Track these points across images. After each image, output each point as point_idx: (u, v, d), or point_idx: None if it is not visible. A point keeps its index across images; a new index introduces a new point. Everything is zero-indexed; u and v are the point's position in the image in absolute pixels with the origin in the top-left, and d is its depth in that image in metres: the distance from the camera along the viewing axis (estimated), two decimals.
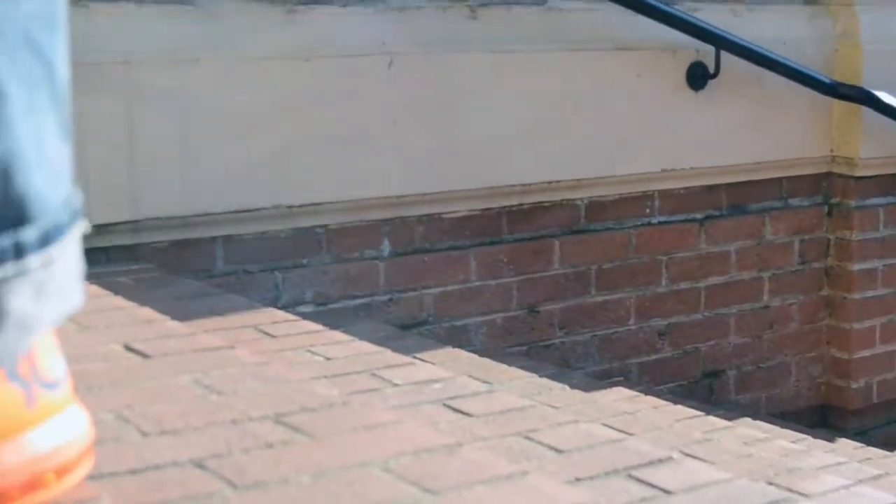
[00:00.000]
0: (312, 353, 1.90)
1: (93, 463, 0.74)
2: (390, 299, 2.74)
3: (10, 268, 0.62)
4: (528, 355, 2.95)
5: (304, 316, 2.24)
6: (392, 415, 1.19)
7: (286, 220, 2.55)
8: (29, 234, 0.63)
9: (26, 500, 0.66)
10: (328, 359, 1.87)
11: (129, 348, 1.40)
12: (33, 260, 0.63)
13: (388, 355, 1.90)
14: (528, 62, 2.84)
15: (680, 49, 3.04)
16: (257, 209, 2.50)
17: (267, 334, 1.99)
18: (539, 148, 2.85)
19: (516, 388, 2.17)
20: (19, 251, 0.62)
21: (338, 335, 2.01)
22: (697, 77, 3.09)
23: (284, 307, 2.46)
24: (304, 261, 2.61)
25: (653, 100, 3.04)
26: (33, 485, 0.66)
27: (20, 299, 0.63)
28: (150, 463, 1.03)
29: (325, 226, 2.62)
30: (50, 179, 0.64)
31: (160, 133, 2.36)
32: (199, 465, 1.07)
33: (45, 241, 0.64)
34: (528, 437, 1.52)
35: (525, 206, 2.90)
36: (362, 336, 2.08)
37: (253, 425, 1.17)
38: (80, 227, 0.67)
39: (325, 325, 2.12)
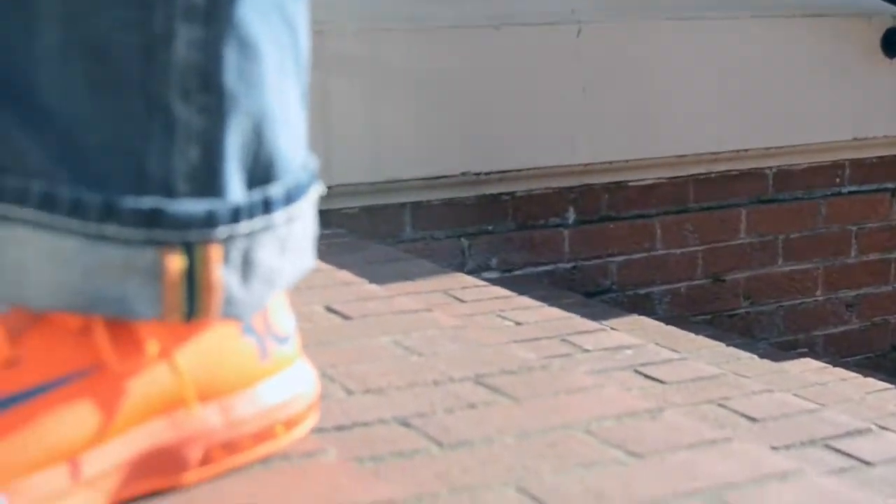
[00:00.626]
0: (502, 317, 1.91)
1: (318, 417, 0.76)
2: (574, 267, 2.73)
3: (259, 222, 0.64)
4: (711, 324, 2.91)
5: (490, 282, 2.25)
6: (592, 379, 1.19)
7: (473, 188, 2.57)
8: (276, 190, 0.65)
9: (256, 450, 0.68)
10: (518, 323, 1.88)
11: (329, 309, 1.43)
12: (279, 216, 0.65)
13: (578, 321, 1.90)
14: (718, 29, 2.79)
15: (875, 15, 2.95)
16: (446, 176, 2.52)
17: (457, 299, 2.01)
18: (728, 116, 2.81)
19: (703, 356, 2.14)
20: (267, 206, 0.65)
21: (527, 301, 2.01)
22: (892, 43, 2.99)
23: (470, 273, 2.48)
24: (490, 227, 2.62)
25: (845, 67, 2.96)
26: (263, 436, 0.68)
27: (267, 253, 0.65)
28: (357, 420, 1.05)
29: (512, 193, 2.62)
30: (292, 141, 0.66)
31: (352, 101, 2.40)
32: (405, 424, 1.09)
33: (289, 199, 0.66)
34: (721, 405, 1.50)
35: (713, 175, 2.86)
36: (549, 302, 2.08)
37: (454, 386, 1.18)
38: (317, 190, 0.69)
39: (512, 291, 2.13)
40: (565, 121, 2.62)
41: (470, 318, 1.84)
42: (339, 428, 1.00)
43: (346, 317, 1.40)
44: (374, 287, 1.58)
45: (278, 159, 0.65)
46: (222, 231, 0.62)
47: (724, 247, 2.91)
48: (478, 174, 2.55)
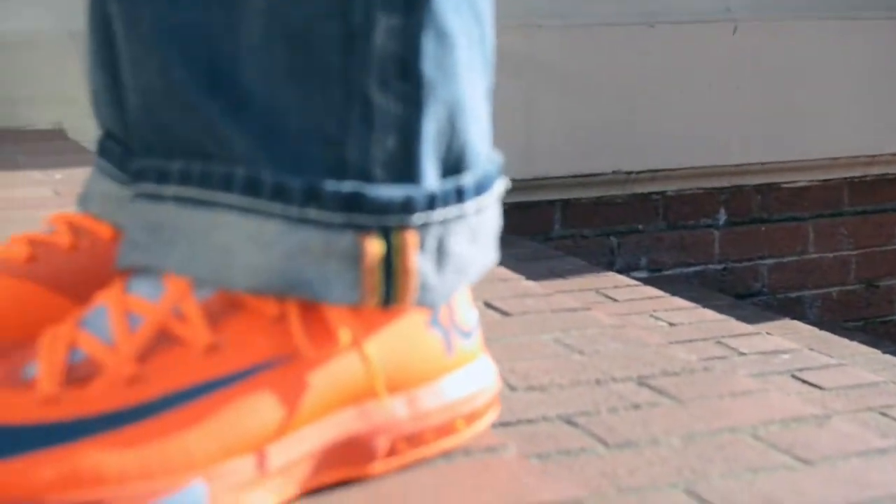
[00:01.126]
0: (655, 318, 1.89)
1: (497, 413, 0.76)
2: (724, 269, 2.70)
3: (452, 210, 0.65)
4: (863, 330, 2.85)
5: (639, 282, 2.24)
6: (756, 383, 1.18)
7: (624, 186, 2.55)
8: (467, 180, 0.66)
9: (438, 444, 0.69)
10: (672, 324, 1.86)
11: (489, 305, 1.43)
12: (470, 205, 0.66)
13: (733, 324, 1.87)
14: (874, 29, 2.73)
15: None
16: (597, 174, 2.51)
17: (609, 298, 2.00)
18: (885, 118, 2.74)
19: (859, 363, 2.10)
20: (460, 195, 0.65)
21: (680, 301, 1.99)
22: None
23: (618, 272, 2.47)
24: (640, 227, 2.60)
25: None
26: (446, 430, 0.69)
27: (459, 242, 0.66)
28: (521, 417, 1.05)
29: (663, 192, 2.60)
30: (480, 133, 0.67)
31: (508, 98, 2.40)
32: (569, 422, 1.09)
33: (479, 189, 0.67)
34: (883, 414, 1.47)
35: (868, 178, 2.80)
36: (701, 304, 2.06)
37: (617, 386, 1.17)
38: (502, 184, 0.69)
39: (663, 291, 2.11)
40: (718, 120, 2.59)
41: (625, 318, 1.83)
42: (505, 424, 1.00)
43: (505, 313, 1.40)
44: (531, 284, 1.58)
45: (469, 150, 0.66)
46: (419, 217, 0.63)
47: (879, 252, 2.84)
48: (629, 173, 2.53)
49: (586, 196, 2.52)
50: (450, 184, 0.65)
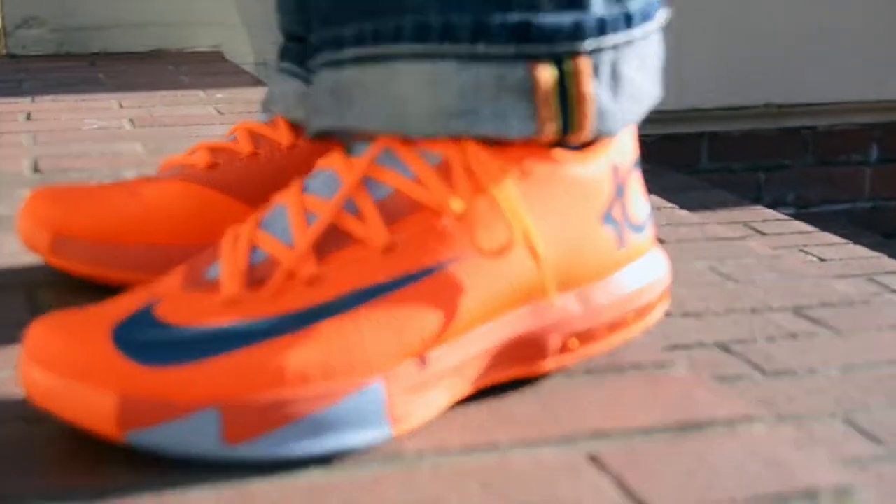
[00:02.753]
0: (806, 252, 1.86)
1: (667, 307, 0.74)
2: (874, 207, 2.64)
3: (622, 35, 0.65)
4: None
5: (774, 216, 2.20)
6: None
7: (774, 120, 2.51)
8: (634, 5, 0.66)
9: (609, 339, 0.69)
10: (822, 259, 1.83)
11: None
12: (638, 31, 0.65)
13: (885, 261, 1.84)
14: None
15: None
16: (747, 107, 2.47)
17: (757, 231, 1.97)
18: None
19: None
20: (628, 20, 0.65)
21: (830, 237, 1.96)
22: None
23: (765, 207, 2.43)
24: (788, 162, 2.56)
25: None
26: (616, 325, 0.69)
27: (631, 68, 0.65)
28: (677, 342, 1.05)
29: (813, 127, 2.55)
30: None
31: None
32: (725, 349, 1.08)
33: (644, 15, 0.66)
34: None
35: None
36: (851, 241, 2.02)
37: (774, 315, 1.16)
38: (664, 15, 0.69)
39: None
40: (874, 54, 2.52)
41: (776, 252, 1.81)
42: (669, 348, 1.00)
43: (660, 240, 1.39)
44: (685, 213, 1.57)
45: None
46: (590, 43, 0.63)
47: None
48: (780, 106, 2.49)
49: (735, 129, 2.48)
50: (617, 9, 0.64)
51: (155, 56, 2.06)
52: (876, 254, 1.88)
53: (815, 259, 1.83)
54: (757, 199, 2.53)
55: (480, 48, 0.61)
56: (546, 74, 0.62)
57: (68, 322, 0.59)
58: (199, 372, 0.57)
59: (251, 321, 0.59)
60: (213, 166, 0.81)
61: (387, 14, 0.63)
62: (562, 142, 0.65)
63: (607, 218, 0.67)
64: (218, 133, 1.34)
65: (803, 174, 2.58)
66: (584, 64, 0.63)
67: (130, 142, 1.31)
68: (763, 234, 1.95)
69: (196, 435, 0.56)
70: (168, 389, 0.56)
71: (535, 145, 0.64)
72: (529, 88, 0.62)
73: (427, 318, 0.60)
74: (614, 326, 0.68)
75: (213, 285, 0.61)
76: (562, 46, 0.62)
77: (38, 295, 0.80)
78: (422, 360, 0.61)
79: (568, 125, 0.63)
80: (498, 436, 0.61)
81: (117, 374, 0.56)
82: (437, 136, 0.63)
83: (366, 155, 0.64)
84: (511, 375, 0.65)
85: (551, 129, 0.63)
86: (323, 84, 0.67)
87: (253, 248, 0.62)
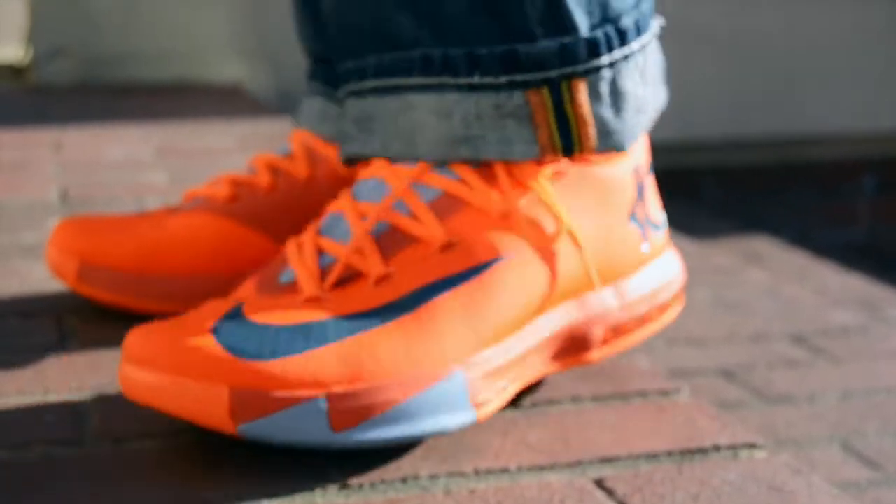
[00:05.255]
0: (805, 281, 1.86)
1: (682, 306, 0.76)
2: (872, 236, 2.64)
3: (617, 52, 0.66)
4: None
5: (774, 246, 2.20)
6: None
7: (774, 150, 2.52)
8: (626, 21, 0.67)
9: (638, 332, 0.71)
10: (822, 288, 1.84)
11: None
12: (634, 45, 0.67)
13: (883, 290, 1.84)
14: None
15: None
16: (748, 137, 2.47)
17: (759, 260, 1.98)
18: None
19: None
20: (622, 37, 0.67)
21: (829, 266, 1.96)
22: None
23: (766, 235, 2.43)
24: (788, 192, 2.56)
25: None
26: (644, 319, 0.70)
27: (631, 82, 0.67)
28: (681, 369, 1.05)
29: (812, 158, 2.55)
30: None
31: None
32: (726, 376, 1.09)
33: (639, 29, 0.68)
34: None
35: None
36: (849, 269, 2.02)
37: (773, 343, 1.16)
38: (659, 21, 0.71)
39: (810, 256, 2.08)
40: (870, 85, 2.53)
41: (776, 280, 1.81)
42: (665, 377, 1.01)
43: None
44: (687, 242, 1.57)
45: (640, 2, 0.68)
46: (581, 65, 0.65)
47: None
48: (779, 137, 2.49)
49: (736, 159, 2.49)
50: (609, 27, 0.66)
51: (178, 87, 2.07)
52: (873, 282, 1.88)
53: (815, 287, 1.83)
54: (758, 228, 2.53)
55: (476, 79, 0.64)
56: (541, 100, 0.64)
57: (166, 326, 0.61)
58: (303, 364, 0.59)
59: (335, 317, 0.61)
60: (233, 198, 0.82)
61: (402, 47, 0.66)
62: (572, 160, 0.67)
63: (633, 217, 0.70)
64: (239, 164, 1.35)
65: (802, 204, 2.58)
66: (579, 86, 0.65)
67: (154, 172, 1.32)
68: (764, 262, 1.96)
69: (305, 423, 0.58)
70: (276, 381, 0.58)
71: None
72: (528, 114, 0.64)
73: (493, 310, 0.62)
74: (642, 321, 0.71)
75: (291, 288, 0.64)
76: (553, 71, 0.64)
77: (65, 321, 0.81)
78: (497, 347, 0.63)
79: (572, 145, 0.65)
80: (508, 461, 0.62)
81: (227, 369, 0.58)
82: (449, 162, 0.65)
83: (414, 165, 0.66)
84: (561, 367, 0.68)
85: (553, 150, 0.65)
86: (349, 113, 0.70)
87: (320, 253, 0.65)
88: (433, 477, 0.60)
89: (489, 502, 0.58)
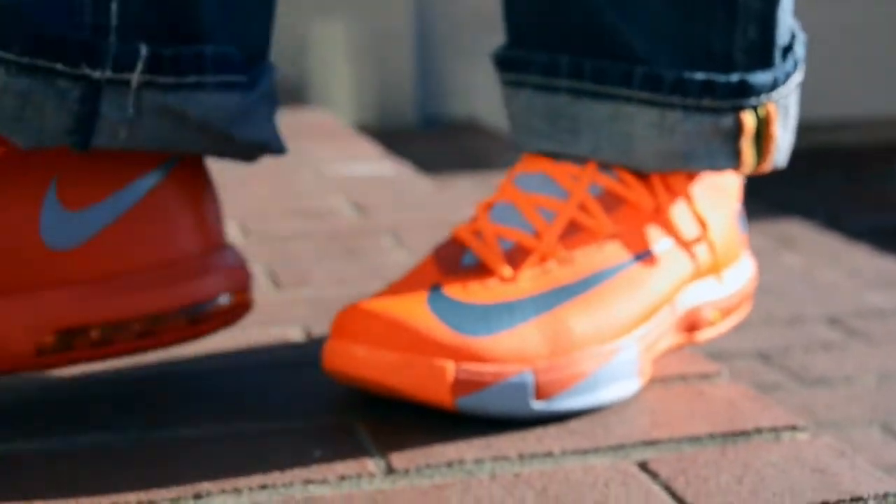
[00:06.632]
0: (839, 264, 1.85)
1: (747, 312, 0.79)
2: None
3: (793, 80, 0.73)
4: None
5: (807, 229, 2.19)
6: None
7: (804, 134, 2.50)
8: (798, 53, 0.74)
9: (734, 316, 0.76)
10: (855, 271, 1.82)
11: None
12: (799, 74, 0.74)
13: None
14: None
15: None
16: None
17: (791, 242, 1.96)
18: None
19: None
20: (795, 66, 0.73)
21: (862, 249, 1.95)
22: None
23: (799, 218, 2.42)
24: (818, 175, 2.55)
25: None
26: (738, 305, 0.76)
27: (793, 105, 0.74)
28: (718, 352, 1.05)
29: (841, 142, 2.54)
30: (793, 19, 0.75)
31: None
32: (764, 359, 1.08)
33: (800, 61, 0.75)
34: None
35: None
36: (883, 252, 2.01)
37: (809, 326, 1.16)
38: (801, 72, 0.76)
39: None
40: None
41: (810, 263, 1.80)
42: (704, 360, 1.00)
43: None
44: None
45: (795, 31, 0.75)
46: (779, 92, 0.72)
47: None
48: (808, 121, 2.48)
49: None
50: (790, 60, 0.74)
51: None
52: None
53: (849, 270, 1.82)
54: (788, 212, 2.52)
55: (705, 102, 0.71)
56: (749, 122, 0.71)
57: (379, 305, 0.65)
58: (511, 339, 0.64)
59: (529, 296, 0.67)
60: None
61: (610, 56, 0.71)
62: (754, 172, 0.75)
63: (739, 216, 0.77)
64: None
65: (832, 189, 2.56)
66: (773, 110, 0.72)
67: None
68: (797, 245, 1.94)
69: (513, 395, 0.63)
70: (489, 356, 0.63)
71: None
72: (735, 133, 0.71)
73: (650, 290, 0.70)
74: (738, 306, 0.77)
75: (477, 269, 0.68)
76: (763, 97, 0.72)
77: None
78: (650, 323, 0.70)
79: (760, 160, 0.73)
80: (552, 445, 0.62)
81: (452, 345, 0.63)
82: (662, 171, 0.72)
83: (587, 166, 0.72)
84: (678, 345, 0.73)
85: (750, 164, 0.72)
86: (533, 106, 0.74)
87: (499, 238, 0.69)
88: (478, 461, 0.60)
89: (535, 486, 0.58)
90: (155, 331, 0.66)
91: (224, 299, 0.69)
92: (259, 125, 0.70)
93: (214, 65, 0.66)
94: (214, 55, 0.66)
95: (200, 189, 0.70)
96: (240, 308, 0.70)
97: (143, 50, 0.64)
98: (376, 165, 1.41)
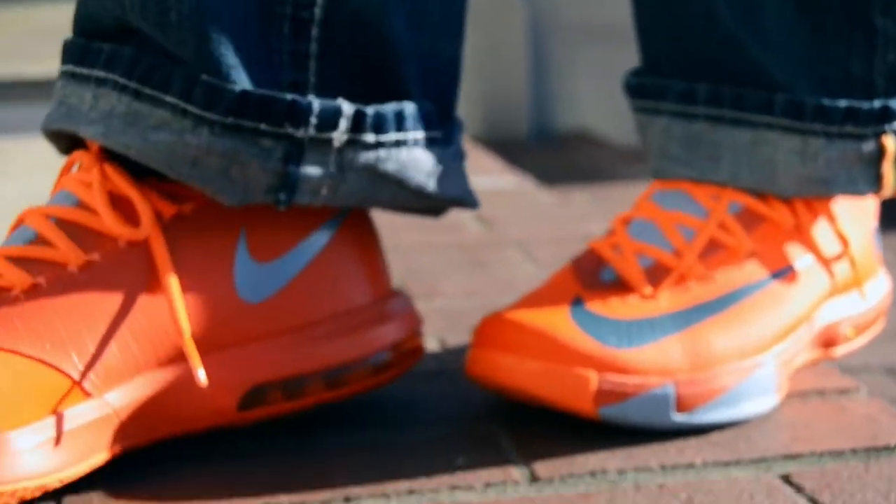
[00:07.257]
0: None
1: (882, 328, 0.80)
2: None
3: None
4: None
5: None
6: None
7: None
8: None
9: (866, 334, 0.77)
10: None
11: None
12: None
13: None
14: None
15: None
16: None
17: None
18: None
19: None
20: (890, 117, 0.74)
21: None
22: None
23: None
24: None
25: None
26: (871, 322, 0.77)
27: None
28: (842, 366, 1.03)
29: None
30: None
31: None
32: (892, 373, 1.07)
33: None
34: None
35: None
36: None
37: None
38: None
39: None
40: None
41: None
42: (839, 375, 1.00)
43: None
44: None
45: None
46: None
47: None
48: None
49: None
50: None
51: None
52: None
53: None
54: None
55: (848, 128, 0.71)
56: (892, 145, 0.72)
57: (523, 316, 0.66)
58: (653, 353, 0.65)
59: (669, 313, 0.68)
60: None
61: (748, 83, 0.72)
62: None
63: (875, 234, 0.78)
64: None
65: None
66: None
67: None
68: None
69: (654, 407, 0.65)
70: (632, 368, 0.65)
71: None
72: (878, 157, 0.72)
73: (789, 307, 0.70)
74: (871, 322, 0.77)
75: (617, 286, 0.69)
76: None
77: None
78: (789, 339, 0.70)
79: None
80: (693, 456, 0.62)
81: (594, 356, 0.64)
82: (804, 196, 0.72)
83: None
84: (813, 360, 0.74)
85: (891, 187, 0.73)
86: (671, 133, 0.74)
87: (639, 255, 0.70)
88: (621, 471, 0.61)
89: (679, 497, 0.58)
90: (342, 381, 0.66)
91: (402, 346, 0.69)
92: (454, 180, 0.69)
93: (415, 122, 0.66)
94: (415, 112, 0.66)
95: (372, 237, 0.70)
96: (417, 353, 0.70)
97: (346, 108, 0.63)
98: (498, 178, 1.43)
